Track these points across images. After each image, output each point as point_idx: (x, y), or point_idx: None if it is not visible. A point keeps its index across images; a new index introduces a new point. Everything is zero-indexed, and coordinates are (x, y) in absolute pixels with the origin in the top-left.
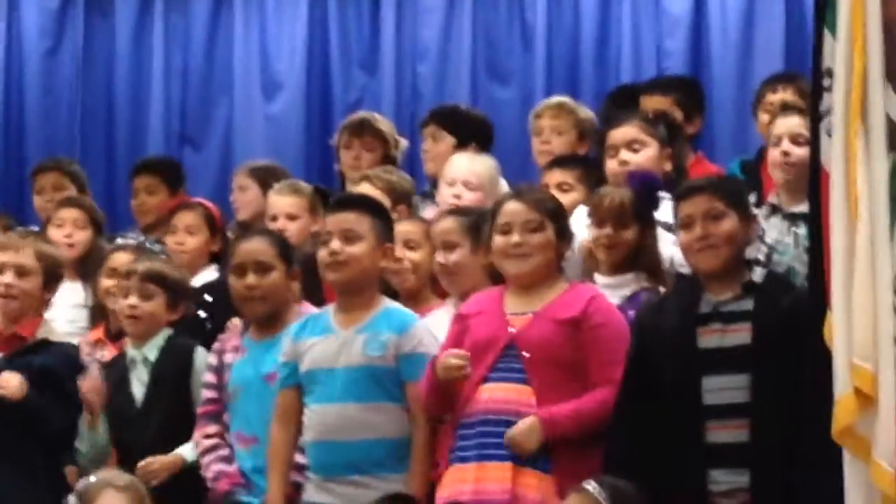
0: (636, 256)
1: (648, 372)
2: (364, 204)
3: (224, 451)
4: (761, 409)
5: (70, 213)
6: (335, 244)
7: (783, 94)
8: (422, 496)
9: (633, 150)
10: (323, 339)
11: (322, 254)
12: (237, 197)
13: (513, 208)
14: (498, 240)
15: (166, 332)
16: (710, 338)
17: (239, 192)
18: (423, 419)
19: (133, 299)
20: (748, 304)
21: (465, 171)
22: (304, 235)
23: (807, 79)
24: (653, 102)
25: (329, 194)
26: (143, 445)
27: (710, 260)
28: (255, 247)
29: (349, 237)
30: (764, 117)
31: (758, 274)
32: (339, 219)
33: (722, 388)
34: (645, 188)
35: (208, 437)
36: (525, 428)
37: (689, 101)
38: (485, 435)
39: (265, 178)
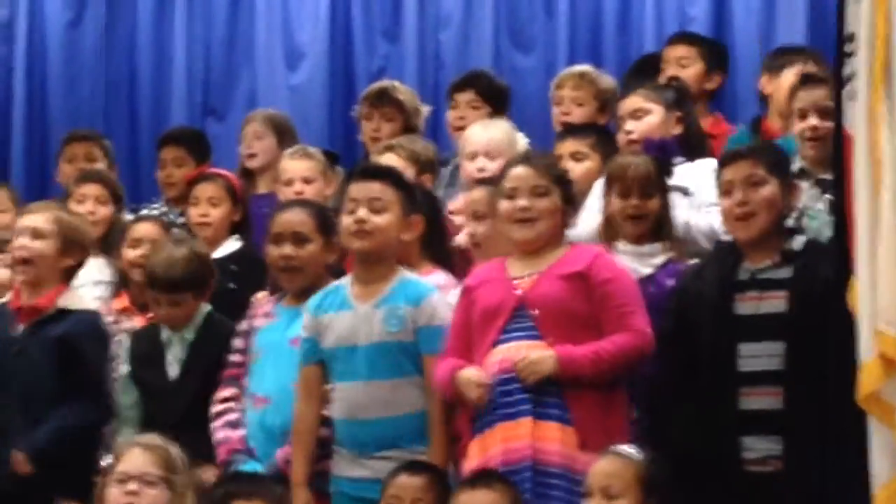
0: (659, 225)
1: (686, 338)
2: (390, 175)
3: (232, 416)
4: (796, 376)
5: (91, 189)
6: (362, 213)
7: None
8: (443, 466)
9: (637, 118)
10: (342, 314)
11: (347, 221)
12: (252, 143)
13: (519, 173)
14: (504, 204)
15: (204, 310)
16: (747, 304)
17: (255, 139)
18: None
19: (163, 310)
20: (786, 273)
21: (483, 143)
22: (320, 198)
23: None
24: (676, 51)
25: (336, 157)
26: (172, 421)
27: (749, 227)
28: (294, 217)
29: (376, 207)
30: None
31: (797, 242)
32: (365, 188)
33: (757, 355)
34: (661, 154)
35: (223, 400)
36: (539, 355)
37: (711, 54)
38: (505, 394)
39: (281, 129)
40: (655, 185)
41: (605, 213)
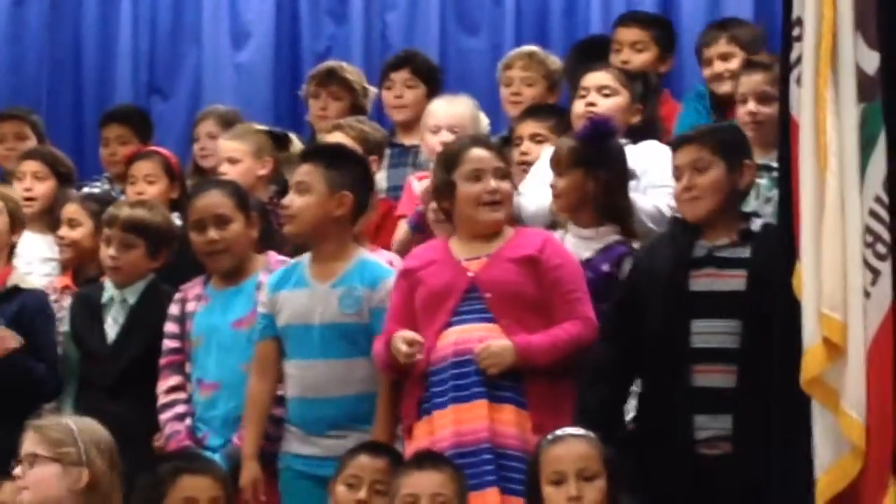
0: (594, 205)
1: (637, 314)
2: (317, 154)
3: (180, 409)
4: (750, 355)
5: (29, 166)
6: (287, 198)
7: (717, 48)
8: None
9: (604, 95)
10: (298, 292)
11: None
12: (206, 144)
13: (481, 154)
14: (469, 187)
15: (149, 277)
16: (702, 281)
17: (208, 139)
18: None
19: (113, 250)
20: (744, 252)
21: (447, 117)
22: (249, 179)
23: (739, 25)
24: (630, 34)
25: (283, 137)
26: (107, 383)
27: (696, 210)
28: (212, 200)
29: (300, 189)
30: (706, 71)
31: (756, 224)
32: (296, 172)
33: (710, 332)
34: (594, 133)
35: (170, 390)
36: (500, 346)
37: (663, 36)
38: (458, 377)
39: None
40: (566, 164)
41: None
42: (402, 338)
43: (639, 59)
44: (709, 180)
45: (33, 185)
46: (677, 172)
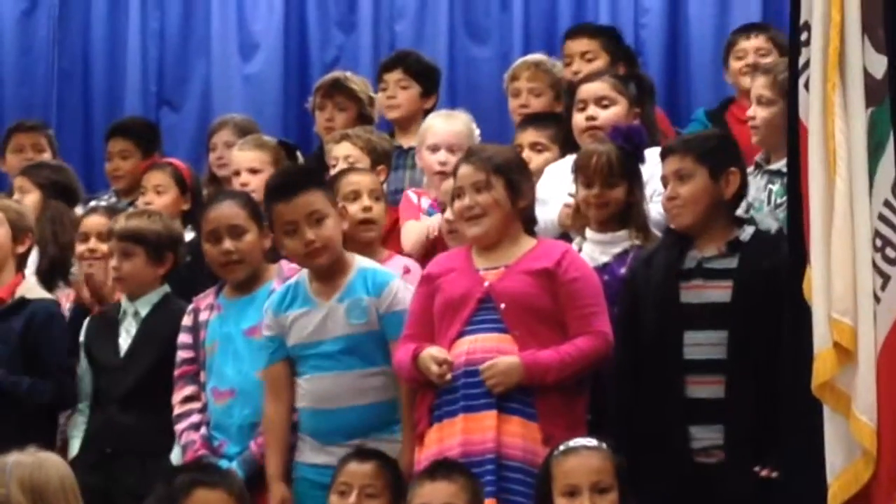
0: (627, 213)
1: (636, 325)
2: (310, 178)
3: (195, 418)
4: (737, 366)
5: (17, 182)
6: (308, 234)
7: (755, 42)
8: (411, 460)
9: (603, 106)
10: (305, 311)
11: (294, 245)
12: (224, 154)
13: (462, 172)
14: (455, 204)
15: (163, 290)
16: (692, 293)
17: (225, 148)
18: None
19: (114, 261)
20: (732, 262)
21: (446, 135)
22: None
23: (777, 29)
24: (579, 45)
25: (295, 148)
26: (119, 396)
27: (679, 220)
28: (226, 211)
29: (318, 219)
30: (735, 64)
31: (745, 233)
32: (300, 204)
33: (701, 344)
34: (629, 143)
35: (185, 400)
36: (507, 364)
37: (613, 45)
38: (469, 386)
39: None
40: (618, 173)
41: (575, 201)
42: (432, 357)
43: (590, 69)
44: (690, 190)
45: (18, 198)
46: (664, 181)
